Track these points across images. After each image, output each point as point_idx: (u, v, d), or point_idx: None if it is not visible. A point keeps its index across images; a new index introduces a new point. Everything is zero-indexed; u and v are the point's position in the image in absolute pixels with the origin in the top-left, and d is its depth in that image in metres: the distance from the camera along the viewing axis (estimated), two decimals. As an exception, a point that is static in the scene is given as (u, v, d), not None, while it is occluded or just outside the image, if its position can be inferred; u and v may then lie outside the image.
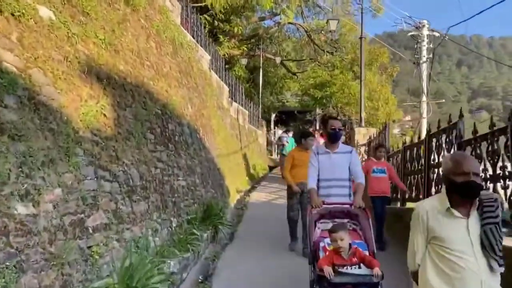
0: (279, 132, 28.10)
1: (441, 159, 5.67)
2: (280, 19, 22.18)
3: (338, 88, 20.60)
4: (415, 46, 15.04)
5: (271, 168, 20.27)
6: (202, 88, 11.89)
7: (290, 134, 27.30)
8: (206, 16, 18.25)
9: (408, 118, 35.24)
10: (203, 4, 18.70)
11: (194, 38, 12.69)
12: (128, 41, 6.48)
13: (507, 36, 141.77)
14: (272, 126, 27.96)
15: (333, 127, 4.61)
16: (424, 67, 14.83)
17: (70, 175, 4.04)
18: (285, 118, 33.24)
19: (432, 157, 6.11)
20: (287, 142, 13.40)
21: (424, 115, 14.13)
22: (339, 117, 25.77)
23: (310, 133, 7.32)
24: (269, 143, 24.60)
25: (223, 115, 14.83)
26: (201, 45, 13.33)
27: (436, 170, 5.93)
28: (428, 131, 6.43)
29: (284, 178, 6.78)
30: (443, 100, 16.05)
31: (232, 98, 17.52)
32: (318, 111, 26.65)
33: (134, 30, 6.99)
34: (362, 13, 12.47)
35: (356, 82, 20.91)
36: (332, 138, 4.65)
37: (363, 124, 12.81)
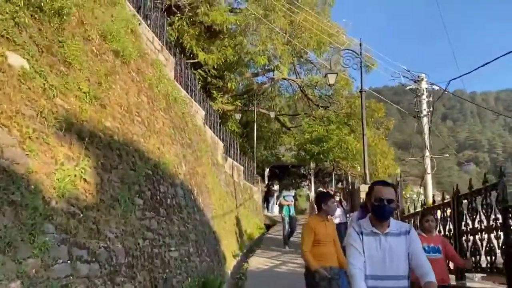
0: (275, 187, 27.83)
1: (476, 225, 4.98)
2: (274, 75, 22.07)
3: (335, 143, 20.15)
4: (415, 100, 14.67)
5: (268, 227, 19.17)
6: (197, 144, 11.18)
7: (276, 187, 26.84)
8: (200, 71, 18.02)
9: (397, 171, 34.81)
10: (196, 60, 18.66)
11: (188, 92, 12.20)
12: (116, 95, 5.80)
13: (487, 91, 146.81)
14: (266, 181, 26.94)
15: (380, 197, 3.05)
16: (425, 121, 14.40)
17: (34, 260, 3.16)
18: (279, 172, 31.92)
19: (464, 222, 5.27)
20: (292, 201, 12.28)
21: (429, 170, 13.46)
22: (334, 170, 25.69)
23: (330, 194, 5.97)
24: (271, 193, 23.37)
25: (218, 172, 14.03)
26: (195, 100, 12.82)
27: (471, 237, 5.07)
28: (456, 191, 5.68)
29: (305, 260, 4.94)
30: (447, 155, 15.51)
31: (226, 154, 16.79)
32: (312, 165, 26.23)
33: (123, 83, 6.35)
34: (361, 66, 12.18)
35: (352, 136, 20.53)
36: (379, 214, 3.07)
37: (368, 180, 12.09)
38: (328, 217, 5.14)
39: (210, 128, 14.57)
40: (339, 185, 23.72)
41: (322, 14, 22.07)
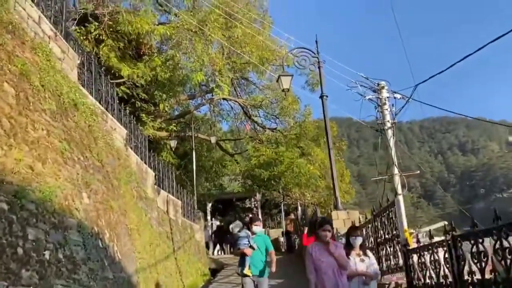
0: (217, 223, 25.75)
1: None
2: (212, 95, 19.93)
3: (286, 167, 18.27)
4: (376, 111, 12.85)
5: (214, 272, 16.12)
6: (113, 170, 8.27)
7: (217, 223, 24.12)
8: (123, 88, 15.17)
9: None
10: (122, 80, 15.79)
11: (102, 104, 9.42)
12: None
13: (412, 120, 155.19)
14: (208, 217, 24.76)
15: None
16: (390, 134, 12.56)
17: None
18: (222, 207, 29.95)
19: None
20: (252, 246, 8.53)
21: (399, 190, 11.41)
22: (284, 200, 23.63)
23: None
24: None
25: (147, 208, 11.28)
26: (113, 115, 10.00)
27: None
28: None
29: None
30: (418, 172, 13.96)
31: (159, 186, 14.25)
32: (258, 196, 24.46)
33: None
34: (319, 66, 10.09)
35: (304, 159, 18.67)
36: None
37: (340, 205, 9.83)
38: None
39: (137, 154, 11.84)
40: (291, 216, 21.62)
41: (262, 30, 20.40)
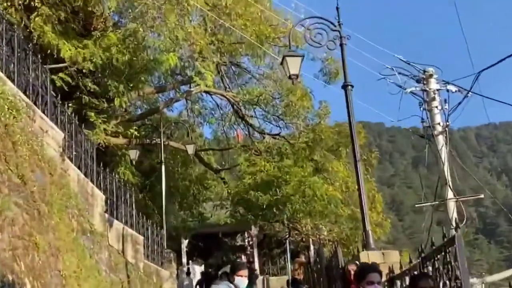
0: (196, 268, 24.34)
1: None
2: (190, 87, 19.97)
3: (295, 188, 18.30)
4: (421, 109, 12.65)
5: None
6: (41, 190, 8.11)
7: (197, 268, 23.67)
8: (62, 75, 15.00)
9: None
10: (64, 64, 15.55)
11: (29, 95, 9.22)
12: None
13: (466, 126, 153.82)
14: (184, 259, 24.43)
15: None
16: (441, 142, 12.28)
17: None
18: (204, 245, 29.61)
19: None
20: None
21: (458, 222, 11.12)
22: (290, 235, 23.12)
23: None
24: None
25: (94, 246, 11.49)
26: (44, 112, 9.87)
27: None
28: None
29: None
30: (481, 195, 13.57)
31: (113, 215, 14.34)
32: (254, 230, 24.29)
33: None
34: (342, 44, 9.78)
35: (319, 176, 18.88)
36: None
37: (372, 243, 9.47)
38: None
39: (80, 168, 12.16)
40: (301, 258, 21.74)
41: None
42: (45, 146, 9.04)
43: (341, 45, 9.99)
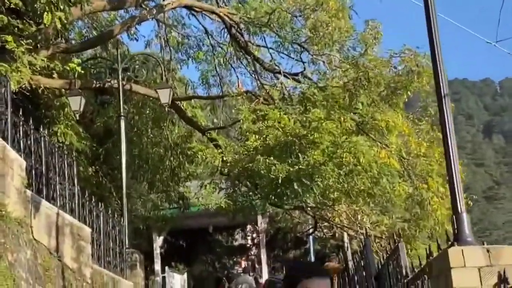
0: (175, 278, 22.88)
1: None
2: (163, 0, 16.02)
3: (327, 153, 14.14)
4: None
5: None
6: None
7: (178, 278, 20.66)
8: None
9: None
10: None
11: None
12: None
13: None
14: (157, 265, 22.55)
15: None
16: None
17: None
18: (187, 244, 27.86)
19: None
20: None
21: None
22: (316, 228, 18.54)
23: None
24: None
25: (6, 240, 9.81)
26: None
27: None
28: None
29: None
30: None
31: (39, 193, 12.04)
32: (262, 221, 22.02)
33: None
34: None
35: (366, 140, 15.15)
36: None
37: (468, 234, 7.07)
38: None
39: None
40: (332, 261, 18.20)
41: None
42: None
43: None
